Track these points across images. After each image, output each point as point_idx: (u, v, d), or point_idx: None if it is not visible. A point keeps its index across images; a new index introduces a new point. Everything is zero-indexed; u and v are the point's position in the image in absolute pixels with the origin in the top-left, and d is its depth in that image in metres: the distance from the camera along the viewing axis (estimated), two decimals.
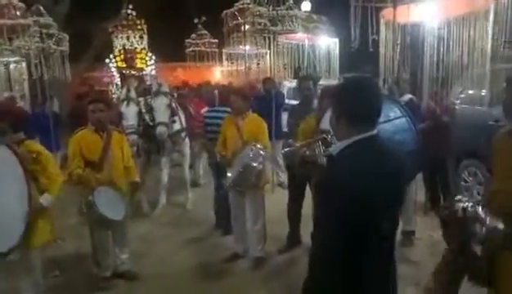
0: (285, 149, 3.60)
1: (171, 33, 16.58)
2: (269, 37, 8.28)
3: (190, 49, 16.36)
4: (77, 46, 10.47)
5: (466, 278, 1.89)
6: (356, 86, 1.79)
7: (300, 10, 9.03)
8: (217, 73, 17.50)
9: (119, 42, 16.34)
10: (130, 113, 5.46)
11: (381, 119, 1.81)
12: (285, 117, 6.14)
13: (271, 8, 7.56)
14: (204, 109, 6.75)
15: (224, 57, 13.67)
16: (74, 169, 3.63)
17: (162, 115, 5.53)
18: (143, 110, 5.72)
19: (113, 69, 16.01)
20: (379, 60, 5.63)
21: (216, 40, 15.67)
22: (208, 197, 6.25)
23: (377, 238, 1.67)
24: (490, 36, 4.83)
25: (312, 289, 1.69)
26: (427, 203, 5.57)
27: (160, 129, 5.44)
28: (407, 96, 4.93)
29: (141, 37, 16.58)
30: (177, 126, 5.89)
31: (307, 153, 3.18)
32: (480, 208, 1.79)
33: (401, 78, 5.05)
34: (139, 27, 16.44)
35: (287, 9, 7.88)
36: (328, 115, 2.40)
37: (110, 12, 15.76)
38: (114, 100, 8.78)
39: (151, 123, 5.63)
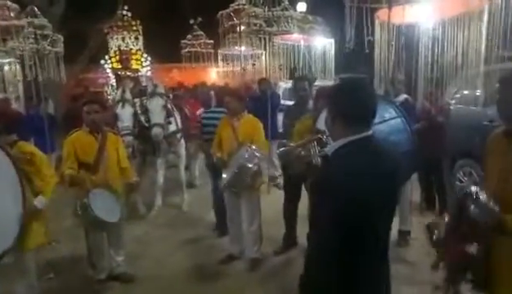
0: (280, 149, 3.60)
1: (166, 33, 16.56)
2: (264, 38, 8.28)
3: (186, 50, 16.35)
4: (72, 47, 10.42)
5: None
6: (351, 87, 1.81)
7: (296, 11, 9.04)
8: (213, 74, 17.50)
9: (114, 43, 16.33)
10: (125, 114, 5.44)
11: (376, 120, 1.82)
12: (280, 117, 6.14)
13: (266, 9, 7.57)
14: (200, 110, 6.75)
15: (220, 58, 13.67)
16: (66, 170, 3.62)
17: (157, 116, 5.51)
18: (138, 111, 5.70)
19: (108, 71, 16.01)
20: (375, 61, 5.65)
21: (211, 41, 15.67)
22: (203, 198, 6.25)
23: (372, 238, 1.67)
24: (484, 36, 4.85)
25: (308, 289, 1.69)
26: (422, 203, 5.59)
27: (156, 130, 5.42)
28: (402, 97, 4.95)
29: (136, 38, 16.56)
30: (172, 128, 5.88)
31: (303, 153, 3.18)
32: (474, 188, 1.81)
33: (396, 79, 5.06)
34: (134, 28, 16.43)
35: (282, 10, 7.89)
36: (323, 115, 2.40)
37: (105, 13, 15.72)
38: (110, 101, 8.77)
39: (147, 124, 5.61)
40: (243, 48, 10.01)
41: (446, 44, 5.44)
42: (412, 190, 4.86)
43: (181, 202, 6.21)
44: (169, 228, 5.47)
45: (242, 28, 9.03)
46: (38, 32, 7.33)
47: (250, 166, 3.81)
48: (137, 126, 5.61)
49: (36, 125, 6.67)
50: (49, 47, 7.53)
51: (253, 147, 3.92)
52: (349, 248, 1.58)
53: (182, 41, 16.45)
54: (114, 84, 14.36)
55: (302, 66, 10.77)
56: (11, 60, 9.02)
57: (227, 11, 10.69)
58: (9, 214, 2.86)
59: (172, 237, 5.13)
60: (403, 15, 5.04)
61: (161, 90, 5.75)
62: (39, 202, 3.15)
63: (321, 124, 3.07)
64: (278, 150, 3.63)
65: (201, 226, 5.40)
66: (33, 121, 6.91)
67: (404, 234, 4.61)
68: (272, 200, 5.32)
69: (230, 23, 10.62)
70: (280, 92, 9.62)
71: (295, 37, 9.70)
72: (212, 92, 8.21)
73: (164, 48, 17.08)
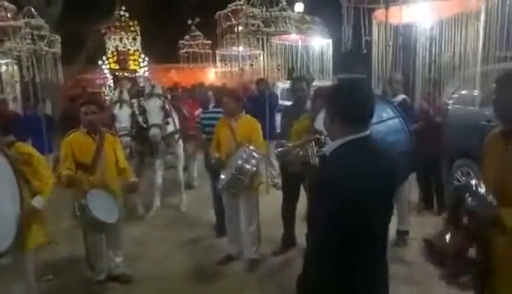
0: (278, 150, 3.61)
1: (164, 34, 16.55)
2: (262, 39, 8.28)
3: (184, 50, 16.35)
4: (69, 47, 10.39)
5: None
6: (349, 87, 1.82)
7: (293, 11, 9.05)
8: (211, 75, 17.49)
9: (111, 44, 16.31)
10: (123, 115, 5.44)
11: (374, 120, 1.83)
12: (278, 118, 6.15)
13: (264, 9, 7.56)
14: (198, 111, 6.76)
15: (218, 58, 13.65)
16: (63, 171, 3.61)
17: (155, 117, 5.51)
18: (136, 112, 5.70)
19: (106, 71, 15.98)
20: (372, 61, 5.65)
21: (209, 41, 15.66)
22: (202, 199, 6.26)
23: (370, 238, 1.68)
24: (481, 36, 4.86)
25: (307, 289, 1.69)
26: (421, 203, 5.60)
27: (154, 131, 5.42)
28: (400, 97, 4.95)
29: (134, 38, 16.54)
30: (170, 128, 5.87)
31: (301, 153, 3.19)
32: (474, 182, 1.82)
33: (393, 79, 5.07)
34: (132, 28, 16.41)
35: (280, 10, 7.88)
36: (321, 116, 2.41)
37: (103, 14, 15.70)
38: (107, 102, 8.75)
39: (144, 125, 5.61)
40: (241, 49, 10.00)
41: (443, 44, 5.45)
42: (410, 190, 4.87)
43: (179, 202, 6.20)
44: (168, 229, 5.47)
45: (240, 28, 9.02)
46: (36, 32, 7.31)
47: (248, 167, 3.81)
48: (135, 127, 5.61)
49: (33, 126, 6.66)
50: (46, 48, 7.51)
51: (251, 147, 3.92)
52: (347, 248, 1.59)
53: (180, 41, 16.44)
54: (112, 85, 14.36)
55: (300, 66, 10.77)
56: (9, 60, 9.01)
57: (225, 11, 10.68)
58: (7, 215, 2.85)
59: (170, 238, 5.13)
60: (400, 16, 5.04)
61: (159, 90, 5.75)
62: (37, 202, 3.15)
63: (319, 124, 3.07)
64: (276, 150, 3.64)
65: (200, 227, 5.40)
66: (30, 122, 6.91)
67: (402, 234, 4.61)
68: (271, 200, 5.32)
69: (228, 23, 10.61)
70: (279, 93, 9.63)
71: (293, 38, 9.70)
72: (210, 93, 8.21)
73: (162, 49, 17.07)
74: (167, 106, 5.83)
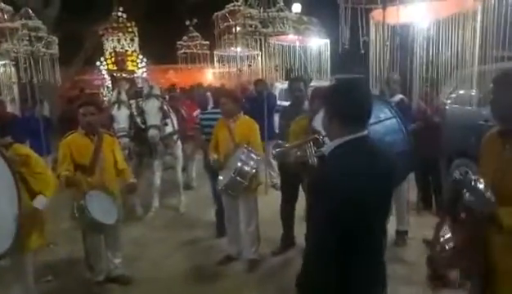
0: (276, 150, 3.61)
1: (162, 35, 16.55)
2: (260, 39, 8.30)
3: (182, 51, 16.35)
4: (67, 49, 10.38)
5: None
6: (348, 88, 1.84)
7: (291, 11, 9.06)
8: (209, 75, 17.50)
9: (109, 45, 16.33)
10: (121, 116, 5.43)
11: (372, 120, 1.84)
12: (277, 118, 6.16)
13: (261, 10, 7.57)
14: (197, 112, 6.76)
15: (216, 59, 13.66)
16: (62, 172, 3.60)
17: (153, 118, 5.51)
18: (134, 113, 5.69)
19: (104, 72, 16.01)
20: (370, 61, 5.66)
21: (207, 42, 15.66)
22: (201, 199, 6.26)
23: (368, 237, 1.69)
24: (478, 36, 4.88)
25: (306, 288, 1.70)
26: (419, 203, 5.61)
27: (152, 132, 5.42)
28: (398, 97, 4.97)
29: (131, 39, 16.57)
30: (169, 129, 5.87)
31: (299, 153, 3.19)
32: (473, 177, 1.82)
33: (391, 79, 5.08)
34: (130, 29, 16.44)
35: (278, 11, 7.90)
36: (319, 116, 2.42)
37: (100, 15, 15.70)
38: (105, 103, 8.74)
39: (143, 126, 5.60)
40: (239, 49, 10.02)
41: (441, 44, 5.47)
42: (409, 190, 4.88)
43: (178, 203, 6.20)
44: (167, 229, 5.47)
45: (238, 29, 9.04)
46: (33, 34, 7.30)
47: (247, 169, 3.82)
48: (133, 128, 5.60)
49: (31, 127, 6.64)
50: (44, 49, 7.49)
51: (250, 148, 3.92)
52: (346, 248, 1.59)
53: (178, 42, 16.44)
54: (110, 86, 14.36)
55: (297, 67, 10.78)
56: (6, 62, 8.97)
57: (223, 12, 10.68)
58: (5, 217, 2.84)
59: (169, 238, 5.13)
60: (398, 16, 5.05)
61: (157, 91, 5.75)
62: (40, 202, 3.12)
63: (316, 124, 3.08)
64: (274, 151, 3.64)
65: (199, 227, 5.40)
66: (28, 123, 6.88)
67: (401, 234, 4.62)
68: (270, 201, 5.33)
69: (225, 24, 10.62)
70: (277, 93, 9.63)
71: (291, 38, 9.70)
72: (208, 93, 8.22)
73: (160, 49, 17.08)
74: (165, 107, 5.83)
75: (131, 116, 5.57)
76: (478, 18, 4.87)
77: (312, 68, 10.82)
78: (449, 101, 6.00)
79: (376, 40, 5.58)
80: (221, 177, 4.05)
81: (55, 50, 7.82)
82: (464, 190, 1.77)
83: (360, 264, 1.65)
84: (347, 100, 1.73)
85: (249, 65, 11.76)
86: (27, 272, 3.20)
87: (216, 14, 11.00)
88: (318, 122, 2.87)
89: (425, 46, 5.51)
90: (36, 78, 7.26)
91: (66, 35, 11.58)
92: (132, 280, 4.04)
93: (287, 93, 7.47)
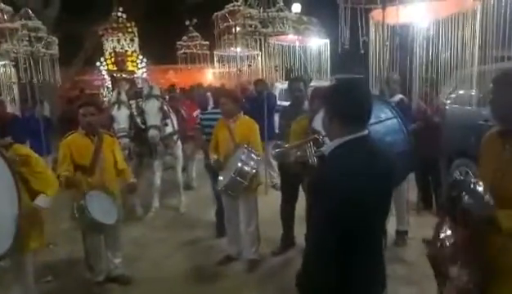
0: (276, 150, 3.61)
1: (162, 35, 16.55)
2: (260, 39, 8.29)
3: (182, 51, 16.33)
4: (67, 49, 10.38)
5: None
6: (348, 88, 1.84)
7: (291, 11, 9.05)
8: (209, 75, 17.50)
9: (109, 45, 16.33)
10: (121, 116, 5.43)
11: (372, 120, 1.84)
12: (277, 118, 6.16)
13: (261, 10, 7.57)
14: (197, 112, 6.76)
15: (215, 59, 13.64)
16: (62, 172, 3.60)
17: (153, 118, 5.51)
18: (135, 113, 5.70)
19: (103, 72, 16.01)
20: (369, 61, 5.66)
21: (207, 42, 15.63)
22: (201, 199, 6.26)
23: (368, 237, 1.69)
24: (478, 36, 4.88)
25: (307, 289, 1.70)
26: (419, 203, 5.61)
27: (152, 132, 5.42)
28: (398, 97, 4.97)
29: (131, 39, 16.57)
30: (169, 129, 5.88)
31: (298, 153, 3.19)
32: (472, 180, 1.82)
33: (391, 79, 5.08)
34: (130, 30, 16.43)
35: (277, 11, 7.90)
36: (319, 116, 2.42)
37: (100, 15, 15.70)
38: (105, 103, 8.74)
39: (143, 126, 5.61)
40: (238, 49, 10.00)
41: (440, 44, 5.47)
42: (409, 190, 4.88)
43: (178, 203, 6.21)
44: (167, 229, 5.47)
45: (237, 29, 9.03)
46: (33, 34, 7.30)
47: (248, 169, 3.82)
48: (133, 128, 5.60)
49: (31, 127, 6.65)
50: (44, 50, 7.49)
51: (250, 148, 3.93)
52: (346, 248, 1.60)
53: (178, 42, 16.42)
54: (110, 86, 14.36)
55: (297, 67, 10.77)
56: (6, 62, 8.96)
57: (223, 12, 10.66)
58: (5, 217, 2.84)
59: (169, 238, 5.13)
60: (397, 16, 5.04)
61: (157, 92, 5.75)
62: (42, 201, 3.11)
63: (316, 124, 3.08)
64: (274, 151, 3.65)
65: (199, 228, 5.40)
66: (28, 123, 6.89)
67: (401, 234, 4.62)
68: (270, 201, 5.33)
69: (225, 24, 10.60)
70: (277, 93, 9.64)
71: (290, 38, 9.69)
72: (208, 93, 8.21)
73: (160, 50, 17.08)
74: (165, 107, 5.83)
75: (131, 116, 5.57)
76: (478, 18, 4.87)
77: (312, 68, 10.81)
78: (449, 101, 6.00)
79: (376, 40, 5.57)
80: (221, 177, 4.06)
81: (55, 50, 7.82)
82: (464, 193, 1.77)
83: (360, 264, 1.65)
84: (347, 100, 1.73)
85: (249, 65, 11.75)
86: (27, 272, 3.20)
87: (216, 14, 10.98)
88: (318, 122, 2.87)
89: (425, 46, 5.51)
90: (36, 79, 7.26)
91: (66, 35, 11.58)
92: (132, 280, 4.04)
93: (287, 93, 7.46)
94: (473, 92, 5.33)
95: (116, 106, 5.47)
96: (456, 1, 5.20)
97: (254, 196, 4.27)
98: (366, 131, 1.73)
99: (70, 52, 13.93)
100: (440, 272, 1.93)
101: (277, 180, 6.13)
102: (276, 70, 11.42)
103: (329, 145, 1.81)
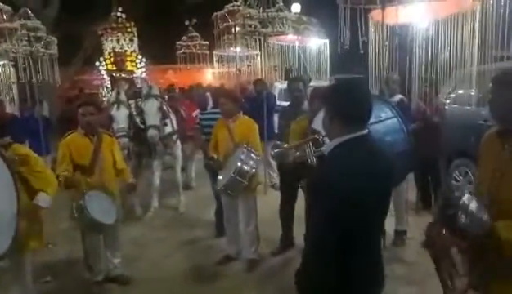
0: (275, 151, 3.61)
1: (161, 35, 16.54)
2: (259, 39, 8.28)
3: (181, 51, 16.32)
4: (66, 49, 10.37)
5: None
6: (348, 87, 1.84)
7: (290, 11, 9.05)
8: (209, 75, 17.49)
9: (108, 45, 16.31)
10: (120, 116, 5.43)
11: (372, 120, 1.84)
12: (276, 118, 6.16)
13: (261, 10, 7.56)
14: (196, 112, 6.76)
15: (215, 59, 13.64)
16: (61, 172, 3.60)
17: (153, 118, 5.50)
18: (134, 113, 5.69)
19: (103, 72, 15.99)
20: (369, 61, 5.67)
21: (207, 42, 15.63)
22: (200, 199, 6.26)
23: (367, 237, 1.69)
24: (477, 36, 4.89)
25: (306, 288, 1.70)
26: (418, 203, 5.61)
27: (151, 132, 5.42)
28: (397, 97, 4.97)
29: (131, 39, 16.55)
30: (168, 129, 5.88)
31: (298, 153, 3.19)
32: (466, 197, 1.81)
33: (390, 79, 5.09)
34: (129, 30, 16.42)
35: (277, 11, 7.89)
36: (319, 116, 2.42)
37: (99, 15, 15.69)
38: (105, 103, 8.74)
39: (142, 126, 5.60)
40: (238, 49, 9.99)
41: (440, 44, 5.47)
42: (408, 190, 4.89)
43: (177, 203, 6.21)
44: (166, 229, 5.47)
45: (237, 29, 9.01)
46: (32, 34, 7.29)
47: (247, 168, 3.82)
48: (133, 128, 5.60)
49: (31, 127, 6.65)
50: (43, 49, 7.48)
51: (249, 148, 3.92)
52: (345, 248, 1.60)
53: (177, 42, 16.41)
54: (109, 86, 14.34)
55: (297, 67, 10.77)
56: (5, 62, 8.96)
57: (222, 12, 10.66)
58: (4, 217, 2.84)
59: (169, 238, 5.13)
60: (397, 16, 5.05)
61: (156, 91, 5.75)
62: (42, 200, 3.11)
63: (316, 125, 3.08)
64: (273, 152, 3.64)
65: (198, 227, 5.40)
66: (27, 123, 6.88)
67: (400, 234, 4.62)
68: (269, 201, 5.33)
69: (225, 24, 10.59)
70: (276, 93, 9.64)
71: (290, 38, 9.70)
72: (208, 93, 8.21)
73: (159, 50, 17.07)
74: (164, 107, 5.83)
75: (130, 116, 5.57)
76: (477, 18, 4.88)
77: (312, 68, 10.82)
78: (448, 101, 6.01)
79: (375, 40, 5.58)
80: (220, 177, 4.06)
81: (54, 50, 7.81)
82: (459, 212, 1.77)
83: (359, 263, 1.66)
84: (347, 100, 1.73)
85: (249, 65, 11.75)
86: (26, 272, 3.20)
87: (215, 14, 10.98)
88: (317, 123, 2.87)
89: (424, 47, 5.51)
90: (35, 78, 7.25)
91: (65, 35, 11.58)
92: (131, 280, 4.04)
93: (286, 93, 7.47)
94: (473, 92, 5.34)
95: (115, 106, 5.46)
96: (456, 1, 5.21)
97: (254, 196, 4.27)
98: (365, 131, 1.73)
99: (69, 52, 13.92)
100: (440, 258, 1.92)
101: (276, 180, 6.13)
102: (275, 70, 11.43)
103: (328, 145, 1.81)
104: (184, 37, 16.23)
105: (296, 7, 11.14)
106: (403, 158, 2.98)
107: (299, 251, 4.06)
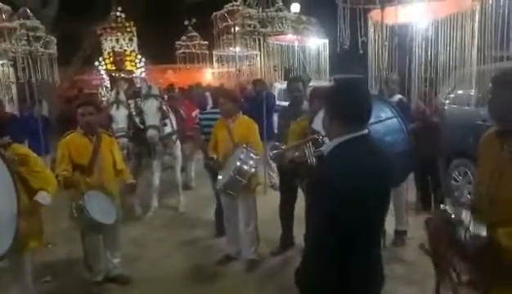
0: (273, 152, 3.61)
1: (161, 35, 16.53)
2: (259, 39, 8.29)
3: (181, 51, 16.31)
4: (65, 49, 10.36)
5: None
6: (348, 88, 1.85)
7: (289, 11, 9.04)
8: (208, 75, 17.48)
9: (107, 45, 16.27)
10: (120, 116, 5.43)
11: (372, 120, 1.84)
12: (276, 118, 6.16)
13: (260, 10, 7.56)
14: (196, 112, 6.76)
15: (214, 59, 13.64)
16: (60, 172, 3.60)
17: (152, 118, 5.50)
18: (133, 113, 5.69)
19: (102, 72, 15.95)
20: (368, 61, 5.67)
21: (206, 42, 15.62)
22: (200, 199, 6.26)
23: (367, 236, 1.70)
24: (477, 36, 4.89)
25: (306, 288, 1.70)
26: (418, 203, 5.62)
27: (151, 132, 5.41)
28: (397, 97, 4.97)
29: (130, 39, 16.51)
30: (168, 129, 5.87)
31: (297, 154, 3.19)
32: (464, 213, 1.82)
33: (390, 79, 5.09)
34: (128, 29, 16.38)
35: (276, 10, 7.89)
36: (319, 117, 2.42)
37: (99, 15, 15.67)
38: (104, 102, 8.74)
39: (142, 126, 5.60)
40: (237, 49, 9.99)
41: (439, 44, 5.47)
42: (408, 190, 4.89)
43: (177, 203, 6.21)
44: (166, 229, 5.47)
45: (236, 29, 9.01)
46: (31, 34, 7.28)
47: (247, 168, 3.82)
48: (132, 128, 5.60)
49: (30, 127, 6.65)
50: (42, 49, 7.47)
51: (249, 148, 3.93)
52: (345, 248, 1.60)
53: (177, 42, 16.40)
54: (109, 86, 14.32)
55: (296, 67, 10.77)
56: (4, 61, 8.95)
57: (222, 12, 10.65)
58: (4, 217, 2.84)
59: (168, 238, 5.13)
60: (396, 16, 5.05)
61: (155, 91, 5.75)
62: (42, 197, 3.10)
63: (316, 125, 3.08)
64: (271, 153, 3.64)
65: (198, 227, 5.40)
66: (27, 123, 6.88)
67: (400, 234, 4.63)
68: (269, 201, 5.33)
69: (224, 24, 10.59)
70: (276, 93, 9.64)
71: (289, 38, 9.69)
72: (207, 93, 8.21)
73: (159, 49, 17.04)
74: (164, 107, 5.83)
75: (129, 116, 5.56)
76: (477, 18, 4.88)
77: (311, 68, 10.81)
78: (448, 101, 6.01)
79: (375, 40, 5.58)
80: (220, 177, 4.06)
81: (53, 50, 7.81)
82: (459, 229, 1.78)
83: (359, 263, 1.66)
84: (347, 100, 1.74)
85: (249, 65, 11.75)
86: (25, 272, 3.20)
87: (215, 14, 10.97)
88: (317, 123, 2.87)
89: (424, 47, 5.51)
90: (34, 78, 7.25)
91: (64, 35, 11.55)
92: (131, 280, 4.04)
93: (286, 93, 7.46)
94: (472, 92, 5.34)
95: (115, 106, 5.46)
96: (455, 1, 5.21)
97: (253, 196, 4.27)
98: (365, 131, 1.73)
99: (69, 52, 13.91)
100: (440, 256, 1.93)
101: (276, 181, 6.12)
102: (275, 70, 11.42)
103: (328, 145, 1.81)
104: (183, 37, 16.22)
105: (295, 7, 11.14)
106: (403, 158, 2.98)
107: (299, 251, 4.06)
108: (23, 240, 2.99)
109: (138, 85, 8.54)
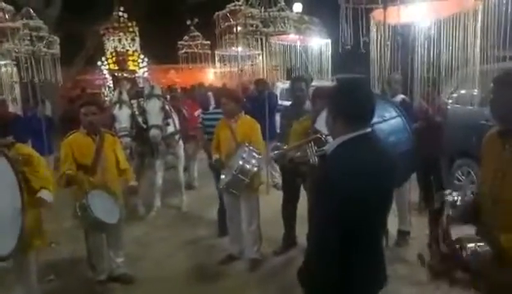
0: (275, 152, 3.62)
1: (163, 34, 16.55)
2: (261, 39, 8.29)
3: (183, 51, 16.33)
4: (68, 48, 10.37)
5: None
6: (351, 87, 1.85)
7: (292, 11, 9.05)
8: (210, 75, 17.49)
9: (110, 45, 16.32)
10: (123, 115, 5.44)
11: (376, 119, 1.85)
12: (278, 118, 6.16)
13: (262, 10, 7.56)
14: (198, 111, 6.77)
15: (217, 59, 13.64)
16: (65, 170, 3.61)
17: (155, 118, 5.51)
18: (136, 113, 5.70)
19: (105, 72, 16.00)
20: (371, 61, 5.66)
21: (208, 42, 15.63)
22: (202, 199, 6.27)
23: (370, 236, 1.70)
24: (479, 36, 4.88)
25: (309, 287, 1.71)
26: (421, 203, 5.60)
27: (154, 132, 5.43)
28: (399, 97, 4.97)
29: (132, 39, 16.55)
30: (170, 129, 5.88)
31: (299, 154, 3.20)
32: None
33: (392, 79, 5.09)
34: (131, 29, 16.42)
35: (279, 10, 7.89)
36: (322, 116, 2.43)
37: (101, 15, 15.70)
38: (107, 102, 8.75)
39: (144, 126, 5.61)
40: (240, 49, 9.99)
41: (442, 44, 5.46)
42: (411, 190, 4.88)
43: (180, 203, 6.22)
44: (169, 229, 5.48)
45: (239, 28, 9.01)
46: (34, 34, 7.29)
47: (249, 167, 3.83)
48: (135, 128, 5.61)
49: (33, 127, 6.66)
50: (45, 49, 7.48)
51: (251, 147, 3.93)
52: (348, 247, 1.60)
53: (179, 42, 16.42)
54: (111, 85, 14.36)
55: (299, 67, 10.77)
56: (7, 61, 8.98)
57: (224, 11, 10.66)
58: (9, 217, 2.85)
59: (171, 238, 5.14)
60: (399, 16, 5.04)
61: (158, 91, 5.76)
62: (46, 195, 3.12)
63: (319, 125, 3.08)
64: (273, 153, 3.65)
65: (201, 227, 5.41)
66: (30, 123, 6.91)
67: (403, 234, 4.62)
68: (271, 200, 5.33)
69: (226, 24, 10.59)
70: (278, 93, 9.64)
71: (292, 38, 9.68)
72: (209, 93, 8.22)
73: (161, 49, 17.08)
74: (167, 107, 5.84)
75: (132, 116, 5.58)
76: (479, 18, 4.87)
77: (313, 67, 10.80)
78: (450, 101, 6.00)
79: (377, 40, 5.57)
80: (223, 176, 4.06)
81: (56, 49, 7.82)
82: (462, 248, 1.78)
83: (361, 263, 1.66)
84: (350, 100, 1.74)
85: (251, 65, 11.75)
86: (30, 272, 3.22)
87: (217, 13, 10.98)
88: (320, 123, 2.88)
89: (426, 46, 5.50)
90: (37, 78, 7.26)
91: (67, 35, 11.57)
92: (134, 279, 4.05)
93: (288, 93, 7.47)
94: (475, 92, 5.33)
95: (117, 105, 5.48)
96: (458, 1, 5.20)
97: (256, 195, 4.28)
98: (368, 129, 1.74)
99: (72, 52, 13.92)
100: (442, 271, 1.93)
101: (279, 180, 6.12)
102: (277, 70, 11.42)
103: (331, 144, 1.82)
104: (186, 37, 16.24)
105: (298, 7, 11.14)
106: (407, 157, 2.98)
107: (302, 250, 4.05)
108: (27, 240, 3.01)
109: (141, 85, 8.55)
